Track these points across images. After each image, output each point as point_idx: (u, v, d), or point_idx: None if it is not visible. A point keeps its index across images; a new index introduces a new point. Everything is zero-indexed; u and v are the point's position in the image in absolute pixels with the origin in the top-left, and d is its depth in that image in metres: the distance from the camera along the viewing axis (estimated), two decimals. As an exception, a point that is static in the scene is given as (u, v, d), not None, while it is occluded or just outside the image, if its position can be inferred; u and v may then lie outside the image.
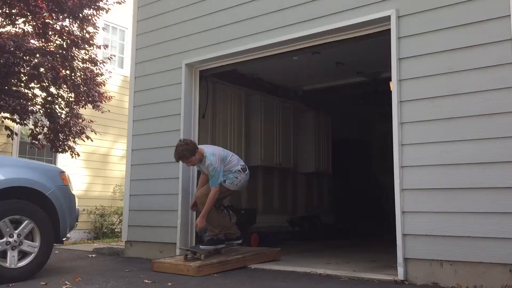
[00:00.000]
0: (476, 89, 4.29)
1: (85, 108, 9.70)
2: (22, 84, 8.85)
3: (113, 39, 12.99)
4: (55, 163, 10.78)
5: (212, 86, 7.61)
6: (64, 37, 8.91)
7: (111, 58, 10.28)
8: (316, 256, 6.40)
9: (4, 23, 8.63)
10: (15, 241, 4.47)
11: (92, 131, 9.74)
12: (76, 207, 5.17)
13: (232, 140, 8.04)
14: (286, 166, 9.42)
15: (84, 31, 9.18)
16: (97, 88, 9.38)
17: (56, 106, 9.24)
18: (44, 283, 4.34)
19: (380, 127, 9.49)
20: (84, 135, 9.54)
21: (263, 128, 8.72)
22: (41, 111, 9.16)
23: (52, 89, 9.12)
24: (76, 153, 9.57)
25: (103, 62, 9.59)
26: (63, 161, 10.95)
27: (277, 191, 9.56)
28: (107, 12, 9.55)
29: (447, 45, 4.49)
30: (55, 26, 8.82)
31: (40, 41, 8.76)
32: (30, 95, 8.94)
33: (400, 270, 4.48)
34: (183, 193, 6.26)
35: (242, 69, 7.42)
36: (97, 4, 9.19)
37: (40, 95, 9.12)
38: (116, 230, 11.56)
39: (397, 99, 4.70)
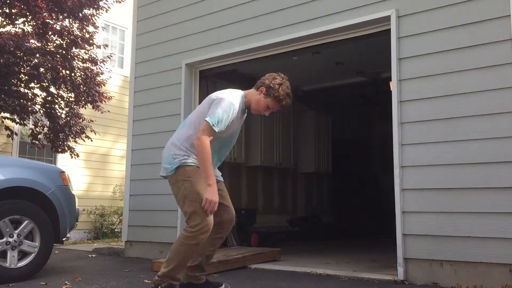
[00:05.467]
0: (476, 89, 4.29)
1: (85, 108, 9.70)
2: (22, 84, 8.85)
3: (113, 39, 12.98)
4: (55, 163, 10.79)
5: (212, 86, 7.60)
6: (64, 37, 8.91)
7: (111, 56, 10.26)
8: (316, 256, 6.40)
9: (4, 23, 8.63)
10: (15, 241, 4.47)
11: (92, 131, 9.74)
12: (76, 207, 5.16)
13: (232, 140, 8.05)
14: (286, 166, 9.42)
15: (84, 31, 9.18)
16: (97, 88, 9.38)
17: (56, 106, 9.24)
18: (44, 283, 4.33)
19: (380, 127, 9.51)
20: (84, 135, 9.55)
21: (263, 128, 8.72)
22: (41, 111, 9.16)
23: (52, 89, 9.12)
24: (75, 153, 9.57)
25: (103, 61, 9.59)
26: (63, 161, 10.95)
27: (277, 191, 9.57)
28: (106, 11, 9.56)
29: (447, 45, 4.48)
30: (55, 26, 8.82)
31: (40, 41, 8.76)
32: (30, 95, 8.94)
33: (400, 270, 4.47)
34: (183, 193, 6.24)
35: (242, 69, 7.41)
36: (97, 3, 9.20)
37: (40, 95, 9.12)
38: (116, 230, 11.56)
39: (397, 99, 4.70)
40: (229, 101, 3.50)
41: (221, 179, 3.77)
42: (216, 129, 3.40)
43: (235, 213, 3.88)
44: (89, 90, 9.23)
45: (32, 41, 8.61)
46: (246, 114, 3.78)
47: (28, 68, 8.54)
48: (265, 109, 3.67)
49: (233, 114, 3.49)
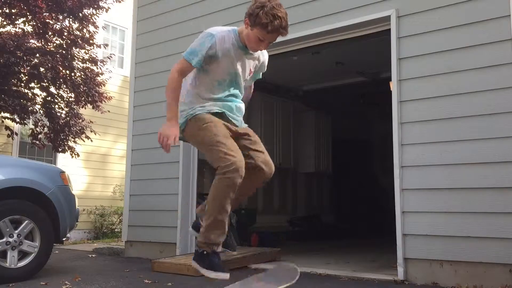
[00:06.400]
0: (476, 89, 4.29)
1: (85, 108, 9.70)
2: (22, 84, 8.85)
3: (113, 39, 12.98)
4: (55, 163, 10.78)
5: (212, 86, 7.60)
6: (64, 37, 8.91)
7: (111, 57, 10.26)
8: (316, 256, 6.40)
9: (4, 23, 8.63)
10: (15, 241, 4.47)
11: (92, 131, 9.74)
12: (76, 207, 5.17)
13: (232, 140, 8.04)
14: (286, 166, 9.42)
15: (84, 30, 9.18)
16: (97, 88, 9.38)
17: (56, 106, 9.24)
18: (44, 283, 4.33)
19: (380, 127, 9.51)
20: (84, 135, 9.54)
21: (263, 128, 8.72)
22: (41, 111, 9.16)
23: (52, 89, 9.12)
24: (76, 153, 9.57)
25: (103, 61, 9.59)
26: (63, 161, 10.94)
27: (277, 191, 9.56)
28: (106, 11, 9.55)
29: (447, 45, 4.49)
30: (55, 26, 8.82)
31: (40, 41, 8.76)
32: (30, 95, 8.94)
33: (400, 270, 4.47)
34: (183, 193, 6.25)
35: (242, 69, 7.42)
36: (97, 3, 9.19)
37: (40, 95, 9.12)
38: (116, 230, 11.56)
39: (397, 99, 4.70)
40: (206, 32, 3.06)
41: (244, 125, 3.19)
42: (190, 60, 3.00)
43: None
44: (89, 90, 9.22)
45: (32, 41, 8.61)
46: (250, 54, 3.22)
47: (28, 68, 8.54)
48: (256, 42, 3.04)
49: (213, 46, 3.02)
